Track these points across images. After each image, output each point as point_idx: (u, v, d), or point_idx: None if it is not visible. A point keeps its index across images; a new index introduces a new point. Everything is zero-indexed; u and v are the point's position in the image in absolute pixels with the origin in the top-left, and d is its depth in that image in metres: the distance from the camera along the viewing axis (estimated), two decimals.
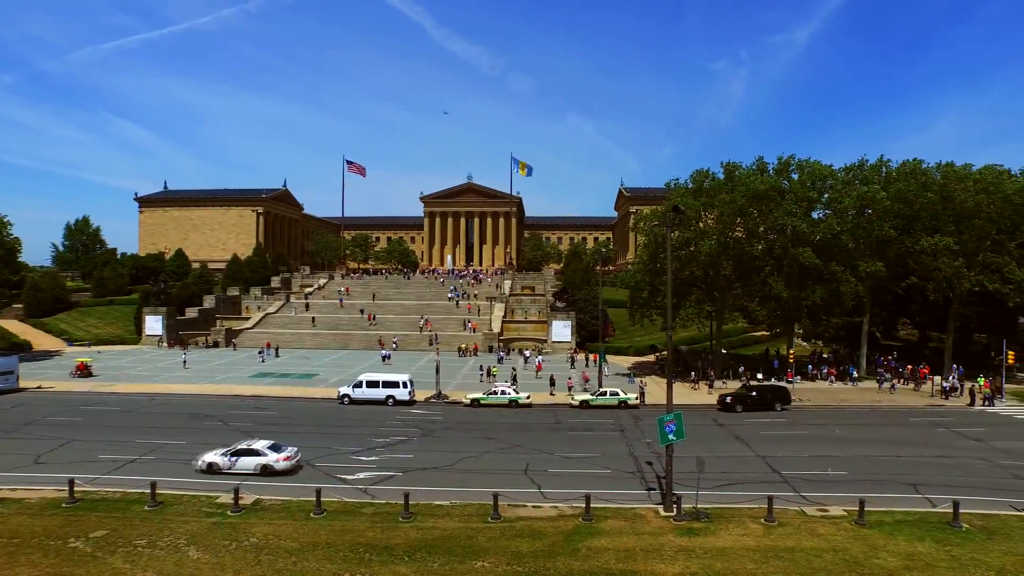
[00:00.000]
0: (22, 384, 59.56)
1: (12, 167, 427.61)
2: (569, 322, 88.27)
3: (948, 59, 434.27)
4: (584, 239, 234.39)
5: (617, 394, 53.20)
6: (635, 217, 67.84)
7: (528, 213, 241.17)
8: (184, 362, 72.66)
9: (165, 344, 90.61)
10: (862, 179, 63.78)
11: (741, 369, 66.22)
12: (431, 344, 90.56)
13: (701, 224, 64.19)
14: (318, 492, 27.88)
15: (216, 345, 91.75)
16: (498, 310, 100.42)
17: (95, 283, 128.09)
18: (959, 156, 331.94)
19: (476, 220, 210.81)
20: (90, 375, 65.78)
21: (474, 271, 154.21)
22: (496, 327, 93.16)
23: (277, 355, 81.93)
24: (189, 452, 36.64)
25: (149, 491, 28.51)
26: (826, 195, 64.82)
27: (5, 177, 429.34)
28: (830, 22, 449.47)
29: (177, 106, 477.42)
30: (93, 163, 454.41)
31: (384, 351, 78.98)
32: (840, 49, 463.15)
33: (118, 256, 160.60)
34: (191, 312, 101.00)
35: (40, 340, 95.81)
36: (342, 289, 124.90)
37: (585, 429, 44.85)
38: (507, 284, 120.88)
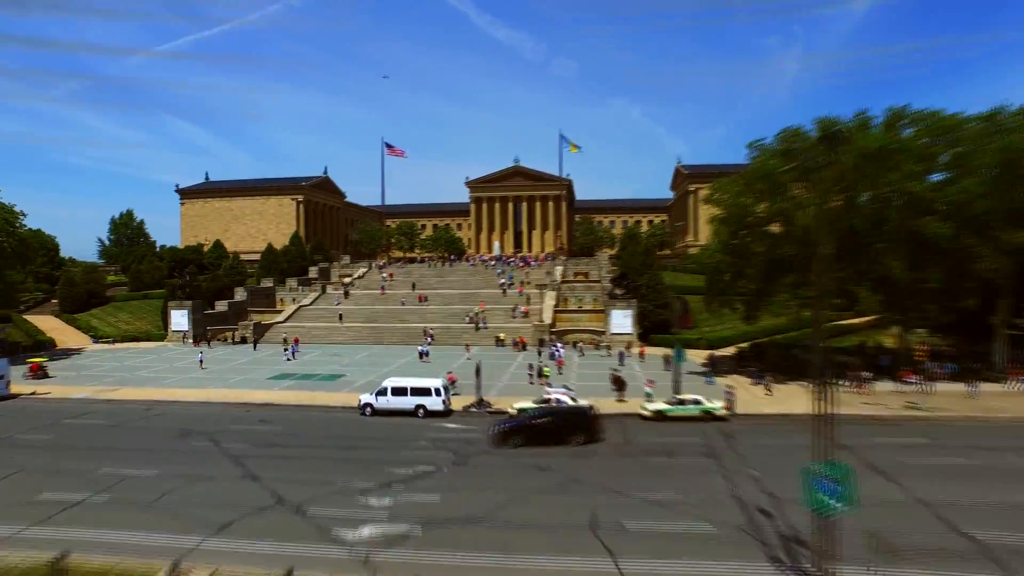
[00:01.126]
0: (15, 389, 53.07)
1: (76, 167, 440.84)
2: (630, 311, 77.70)
3: None
4: (638, 222, 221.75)
5: (700, 402, 42.74)
6: (713, 186, 56.63)
7: (577, 197, 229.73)
8: (200, 361, 65.49)
9: (190, 340, 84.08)
10: (1003, 128, 50.99)
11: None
12: (477, 328, 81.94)
13: (795, 193, 52.82)
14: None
15: (243, 341, 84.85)
16: (549, 299, 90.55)
17: (131, 277, 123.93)
18: None
19: (524, 205, 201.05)
20: (45, 376, 60.03)
21: (522, 256, 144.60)
22: (547, 317, 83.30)
23: (294, 357, 73.86)
24: (153, 489, 28.40)
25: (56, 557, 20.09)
26: (951, 151, 52.46)
27: (70, 177, 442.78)
28: None
29: (227, 103, 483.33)
30: (150, 161, 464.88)
31: (422, 346, 70.04)
32: (902, 19, 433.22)
33: (157, 249, 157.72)
34: (221, 305, 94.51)
35: (67, 337, 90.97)
36: (386, 276, 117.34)
37: (665, 453, 34.67)
38: (558, 270, 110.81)
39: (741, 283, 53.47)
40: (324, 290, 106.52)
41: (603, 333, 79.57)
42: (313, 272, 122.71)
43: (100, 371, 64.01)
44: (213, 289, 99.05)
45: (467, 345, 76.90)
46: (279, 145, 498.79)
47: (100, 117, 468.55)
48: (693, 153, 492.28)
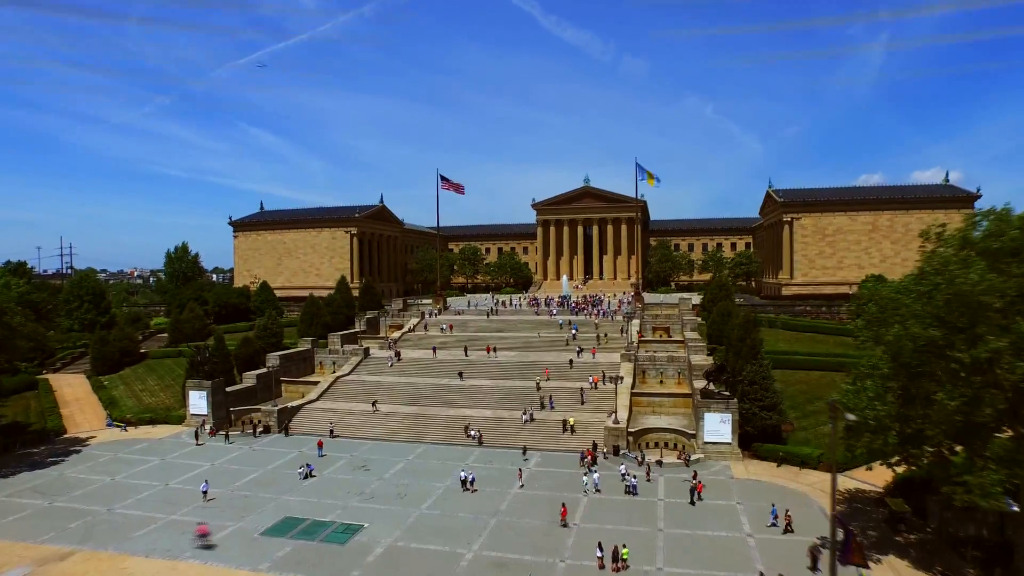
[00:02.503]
0: None
1: (168, 178, 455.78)
2: (729, 416, 61.27)
3: None
4: (719, 245, 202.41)
5: None
6: (932, 244, 37.78)
7: (651, 217, 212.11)
8: (204, 493, 53.37)
9: (208, 429, 73.08)
10: None
11: None
12: (532, 419, 67.27)
13: None
14: None
15: (267, 431, 73.29)
16: (624, 379, 74.94)
17: (171, 327, 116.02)
18: None
19: (595, 227, 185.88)
20: None
21: (594, 298, 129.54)
22: (623, 413, 67.73)
23: (312, 475, 61.21)
24: None
25: None
26: None
27: (163, 187, 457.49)
28: None
29: (302, 112, 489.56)
30: (233, 169, 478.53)
31: (464, 470, 55.45)
32: None
33: (214, 281, 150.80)
34: (249, 378, 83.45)
35: (86, 413, 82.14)
36: (445, 327, 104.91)
37: None
38: (634, 327, 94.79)
39: (913, 449, 36.66)
40: (367, 354, 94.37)
41: (692, 437, 63.43)
42: (360, 324, 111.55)
43: (79, 497, 53.22)
44: (244, 356, 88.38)
45: (523, 449, 62.74)
46: (351, 151, 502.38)
47: (187, 129, 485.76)
48: (768, 151, 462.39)
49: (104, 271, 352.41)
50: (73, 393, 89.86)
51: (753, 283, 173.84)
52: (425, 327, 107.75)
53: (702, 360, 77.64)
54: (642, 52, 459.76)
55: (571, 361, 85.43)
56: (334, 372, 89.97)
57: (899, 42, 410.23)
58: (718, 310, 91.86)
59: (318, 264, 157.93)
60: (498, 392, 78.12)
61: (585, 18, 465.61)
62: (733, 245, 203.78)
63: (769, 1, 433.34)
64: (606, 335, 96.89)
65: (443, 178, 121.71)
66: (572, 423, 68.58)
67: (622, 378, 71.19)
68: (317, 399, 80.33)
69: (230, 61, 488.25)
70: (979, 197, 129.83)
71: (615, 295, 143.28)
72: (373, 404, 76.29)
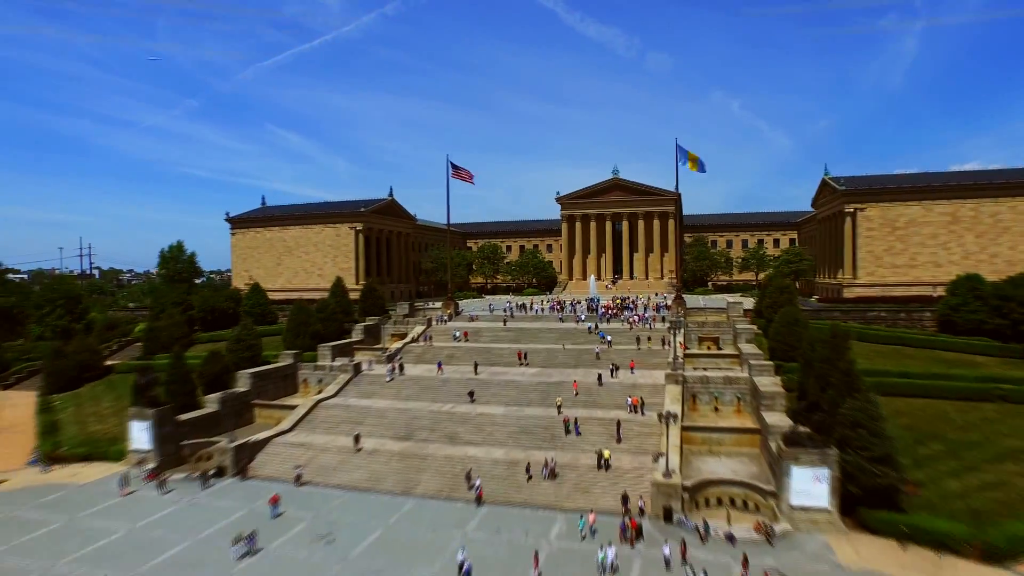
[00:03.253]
0: None
1: (196, 179, 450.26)
2: (826, 470, 44.38)
3: None
4: (760, 242, 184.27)
5: None
6: None
7: (684, 212, 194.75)
8: None
9: (146, 472, 58.15)
10: None
11: None
12: (554, 475, 51.08)
13: None
14: None
15: (220, 473, 58.24)
16: (672, 406, 58.45)
17: (145, 335, 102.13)
18: None
19: (625, 223, 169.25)
20: None
21: (626, 300, 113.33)
22: (674, 457, 51.15)
23: (252, 552, 45.83)
24: None
25: None
26: None
27: (192, 188, 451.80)
28: None
29: (326, 112, 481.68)
30: (260, 170, 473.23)
31: (460, 553, 38.81)
32: None
33: (217, 282, 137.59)
34: (211, 402, 68.54)
35: (11, 446, 67.72)
36: (459, 335, 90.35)
37: None
38: (678, 341, 78.08)
39: None
40: (358, 370, 79.18)
41: (771, 495, 46.74)
42: (357, 332, 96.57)
43: None
44: (210, 374, 73.69)
45: (561, 502, 46.82)
46: (376, 151, 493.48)
47: (215, 131, 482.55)
48: (795, 147, 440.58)
49: (130, 271, 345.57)
50: (12, 417, 76.29)
51: (798, 284, 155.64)
52: (427, 337, 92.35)
53: (769, 383, 60.97)
54: (667, 47, 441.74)
55: (600, 377, 69.33)
56: (320, 391, 74.99)
57: (936, 31, 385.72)
58: (781, 318, 74.93)
59: (320, 264, 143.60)
60: (512, 424, 62.17)
61: (608, 13, 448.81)
62: (776, 242, 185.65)
63: None
64: (647, 344, 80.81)
65: (453, 165, 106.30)
66: (607, 457, 52.96)
67: (675, 415, 54.30)
68: (290, 430, 65.21)
69: (256, 63, 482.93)
70: None
71: (649, 297, 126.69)
72: (356, 439, 60.77)
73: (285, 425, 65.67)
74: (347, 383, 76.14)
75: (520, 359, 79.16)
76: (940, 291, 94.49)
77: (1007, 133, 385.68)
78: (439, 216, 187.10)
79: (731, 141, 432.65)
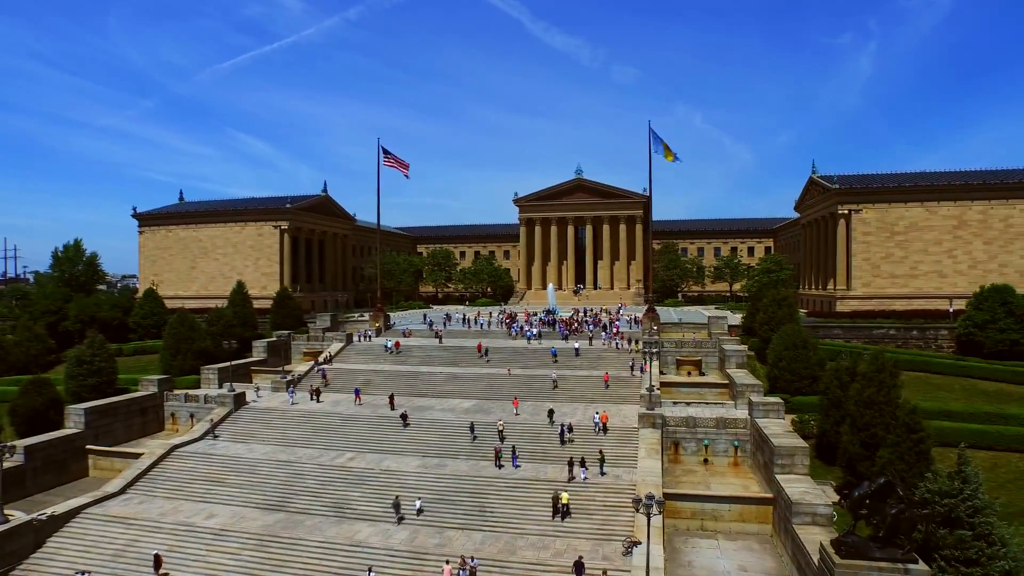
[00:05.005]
0: None
1: (155, 183, 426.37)
2: None
3: None
4: (734, 250, 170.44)
5: None
6: None
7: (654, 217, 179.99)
8: None
9: None
10: None
11: None
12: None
13: None
14: None
15: None
16: (647, 463, 41.59)
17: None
18: None
19: (589, 227, 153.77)
20: None
21: (590, 313, 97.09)
22: (656, 549, 34.15)
23: None
24: None
25: None
26: None
27: (152, 193, 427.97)
28: None
29: (288, 117, 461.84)
30: (222, 175, 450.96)
31: None
32: (990, 8, 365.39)
33: (132, 288, 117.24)
34: (16, 454, 49.42)
35: None
36: (390, 345, 74.30)
37: None
38: (652, 372, 61.28)
39: None
40: (240, 402, 60.72)
41: None
42: (259, 350, 78.19)
43: None
44: (28, 412, 54.42)
45: None
46: (340, 159, 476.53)
47: (173, 134, 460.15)
48: (758, 161, 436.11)
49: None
50: None
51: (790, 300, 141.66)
52: (329, 357, 74.38)
53: (780, 430, 44.74)
54: (632, 59, 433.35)
55: (551, 414, 52.37)
56: (174, 439, 56.23)
57: (889, 52, 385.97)
58: (783, 338, 59.09)
59: (241, 268, 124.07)
60: (427, 486, 44.58)
61: (573, 24, 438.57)
62: (751, 250, 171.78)
63: (758, 9, 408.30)
64: (614, 370, 64.24)
65: (386, 152, 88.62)
66: (565, 500, 36.41)
67: (660, 503, 36.26)
68: (118, 493, 46.46)
69: (213, 64, 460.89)
70: None
71: (616, 308, 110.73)
72: (209, 523, 42.41)
73: (111, 487, 46.88)
74: (222, 419, 57.79)
75: (452, 388, 61.99)
76: (958, 304, 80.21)
77: (955, 151, 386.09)
78: (405, 223, 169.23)
79: (696, 153, 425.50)
